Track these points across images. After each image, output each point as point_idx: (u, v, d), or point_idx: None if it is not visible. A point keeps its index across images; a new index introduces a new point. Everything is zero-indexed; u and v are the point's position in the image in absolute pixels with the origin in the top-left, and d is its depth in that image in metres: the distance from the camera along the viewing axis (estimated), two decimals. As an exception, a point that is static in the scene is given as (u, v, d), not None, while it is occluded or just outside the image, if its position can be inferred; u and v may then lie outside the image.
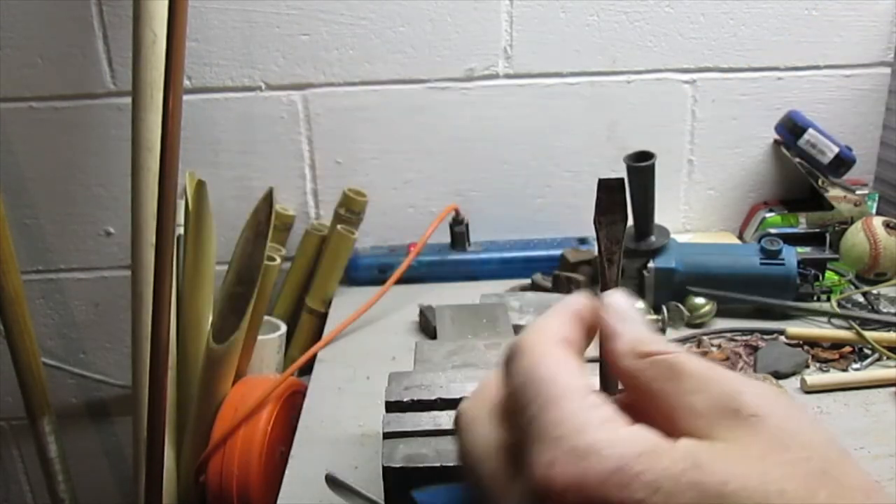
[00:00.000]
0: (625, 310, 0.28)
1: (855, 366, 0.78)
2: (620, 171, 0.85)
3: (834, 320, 0.87)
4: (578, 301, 0.29)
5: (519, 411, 0.26)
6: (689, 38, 1.03)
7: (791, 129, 1.02)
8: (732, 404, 0.23)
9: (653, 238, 0.91)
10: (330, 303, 1.01)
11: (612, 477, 0.22)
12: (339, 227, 1.01)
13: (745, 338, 0.84)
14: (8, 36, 1.00)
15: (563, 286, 0.95)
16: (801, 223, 1.04)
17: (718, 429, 0.23)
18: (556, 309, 0.29)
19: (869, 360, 0.79)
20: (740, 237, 1.10)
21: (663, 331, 0.87)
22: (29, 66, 1.01)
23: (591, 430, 0.23)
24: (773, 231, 1.03)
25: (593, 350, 0.29)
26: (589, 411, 0.24)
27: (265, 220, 0.88)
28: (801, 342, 0.82)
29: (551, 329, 0.28)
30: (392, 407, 0.49)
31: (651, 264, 0.89)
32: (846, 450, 0.23)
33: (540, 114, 1.06)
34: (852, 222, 1.01)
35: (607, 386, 0.29)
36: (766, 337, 0.84)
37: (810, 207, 1.05)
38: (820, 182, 1.03)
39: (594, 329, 0.29)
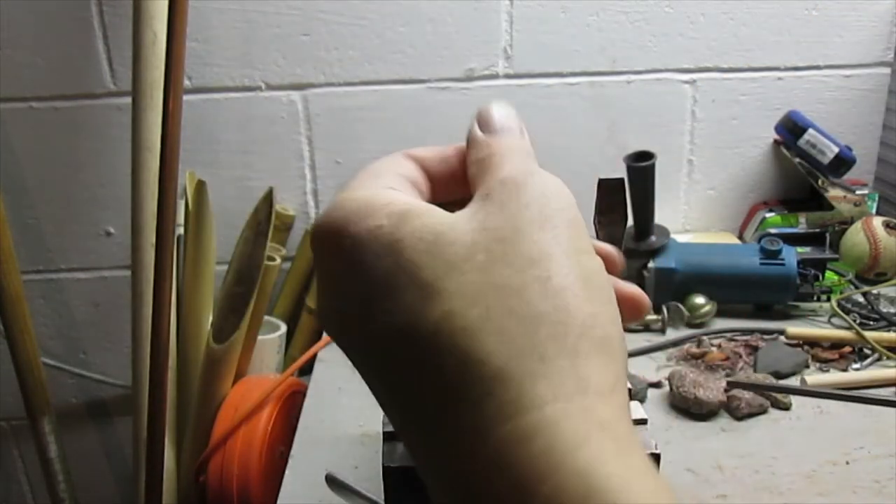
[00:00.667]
0: (489, 118, 0.30)
1: (855, 366, 0.78)
2: (620, 171, 0.85)
3: (834, 320, 0.87)
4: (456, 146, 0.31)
5: None
6: (689, 38, 1.03)
7: (791, 129, 1.02)
8: (486, 187, 0.26)
9: (653, 238, 0.91)
10: (330, 303, 1.01)
11: (338, 222, 0.25)
12: (339, 227, 1.01)
13: (745, 338, 0.84)
14: (8, 36, 1.00)
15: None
16: (801, 223, 1.04)
17: (465, 209, 0.25)
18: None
19: (869, 360, 0.79)
20: (740, 237, 1.10)
21: (663, 331, 0.87)
22: (29, 66, 1.01)
23: (353, 190, 0.26)
24: (773, 231, 1.03)
25: None
26: (367, 179, 0.27)
27: (265, 220, 0.88)
28: (801, 342, 0.82)
29: (421, 150, 0.31)
30: (392, 407, 0.49)
31: (651, 264, 0.89)
32: (560, 225, 0.24)
33: (540, 114, 1.06)
34: (852, 222, 1.01)
35: None
36: (766, 337, 0.84)
37: (810, 207, 1.05)
38: (820, 182, 1.03)
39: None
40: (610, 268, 0.27)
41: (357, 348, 0.25)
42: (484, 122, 0.29)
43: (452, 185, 0.31)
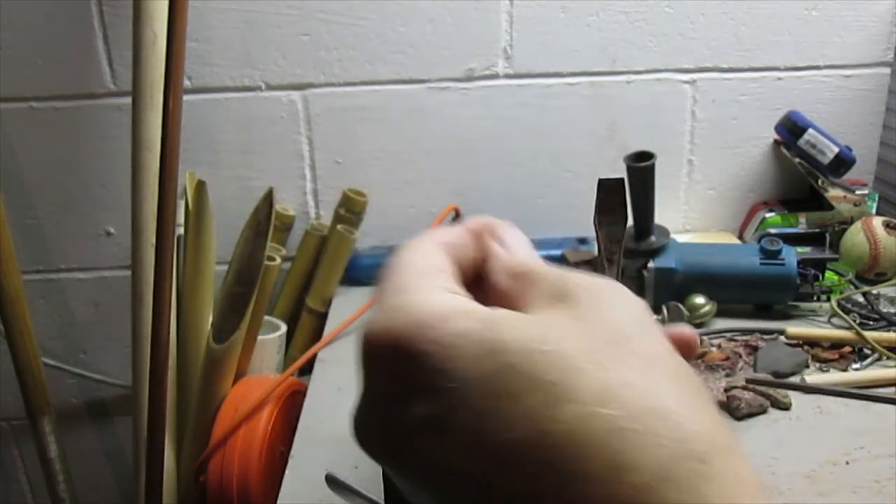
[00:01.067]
0: (505, 237, 0.29)
1: (855, 366, 0.78)
2: (620, 171, 0.85)
3: (834, 320, 0.87)
4: (477, 218, 0.31)
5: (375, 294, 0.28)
6: (689, 38, 1.03)
7: (791, 129, 1.02)
8: (558, 291, 0.25)
9: (653, 238, 0.91)
10: (330, 303, 1.01)
11: (409, 329, 0.23)
12: (339, 227, 1.01)
13: (745, 338, 0.84)
14: (8, 36, 1.00)
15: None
16: (801, 223, 1.04)
17: (542, 313, 0.24)
18: (454, 226, 0.31)
19: (869, 360, 0.79)
20: (740, 237, 1.10)
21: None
22: (29, 66, 1.01)
23: (409, 293, 0.24)
24: (773, 231, 1.03)
25: None
26: (419, 278, 0.25)
27: (265, 220, 0.88)
28: (801, 342, 0.82)
29: (431, 232, 0.29)
30: (392, 407, 0.49)
31: (651, 264, 0.89)
32: (655, 330, 0.24)
33: (540, 114, 1.06)
34: (852, 222, 1.01)
35: None
36: (766, 337, 0.84)
37: (810, 207, 1.05)
38: (820, 182, 1.03)
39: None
40: (687, 351, 0.27)
41: (456, 467, 0.22)
42: (500, 241, 0.29)
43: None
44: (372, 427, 0.24)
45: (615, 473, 0.20)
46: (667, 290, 0.89)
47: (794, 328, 0.83)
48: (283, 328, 1.00)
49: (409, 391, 0.23)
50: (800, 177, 1.06)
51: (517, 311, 0.26)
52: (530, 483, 0.21)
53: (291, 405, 0.84)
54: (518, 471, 0.21)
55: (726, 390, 0.71)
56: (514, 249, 0.29)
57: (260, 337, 0.93)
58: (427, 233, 0.29)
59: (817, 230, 1.03)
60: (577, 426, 0.20)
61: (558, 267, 0.28)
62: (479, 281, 0.30)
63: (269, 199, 0.88)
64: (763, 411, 0.71)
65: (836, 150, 1.00)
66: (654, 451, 0.20)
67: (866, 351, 0.80)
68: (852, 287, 0.91)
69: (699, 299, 0.88)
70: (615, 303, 0.24)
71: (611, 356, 0.22)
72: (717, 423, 0.22)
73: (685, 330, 0.29)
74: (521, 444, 0.21)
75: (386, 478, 0.44)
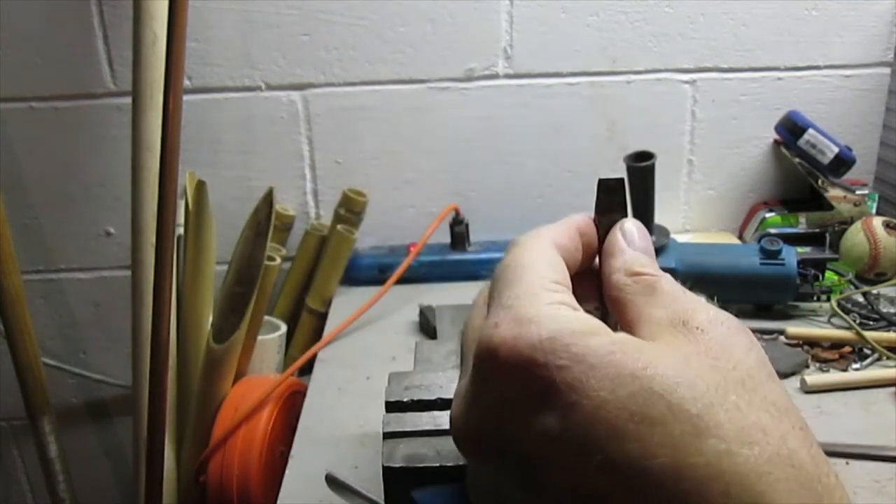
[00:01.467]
0: (634, 233, 0.30)
1: (855, 366, 0.78)
2: (620, 171, 0.85)
3: (834, 320, 0.87)
4: (581, 218, 0.32)
5: (490, 291, 0.28)
6: (689, 38, 1.03)
7: (791, 129, 1.02)
8: (683, 316, 0.25)
9: (653, 238, 0.91)
10: (330, 303, 1.01)
11: (542, 343, 0.23)
12: (339, 227, 1.01)
13: (745, 338, 0.84)
14: (8, 36, 1.00)
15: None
16: (801, 223, 1.04)
17: (664, 335, 0.25)
18: (562, 220, 0.31)
19: (869, 360, 0.79)
20: (740, 237, 1.10)
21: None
22: (29, 66, 1.01)
23: (539, 305, 0.25)
24: (773, 231, 1.03)
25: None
26: (544, 291, 0.26)
27: (265, 220, 0.88)
28: (801, 342, 0.82)
29: (547, 231, 0.30)
30: (392, 407, 0.49)
31: (651, 264, 0.89)
32: (775, 377, 0.25)
33: (540, 114, 1.06)
34: (852, 222, 1.01)
35: (605, 311, 0.31)
36: (766, 337, 0.84)
37: (810, 207, 1.05)
38: (820, 182, 1.03)
39: (593, 246, 0.31)
40: None
41: (572, 480, 0.22)
42: (630, 237, 0.30)
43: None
44: (484, 429, 0.25)
45: None
46: (667, 290, 0.89)
47: (794, 328, 0.83)
48: (283, 328, 1.00)
49: (541, 401, 0.23)
50: (800, 177, 1.06)
51: (627, 319, 0.27)
52: None
53: (291, 405, 0.84)
54: (653, 497, 0.21)
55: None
56: (637, 244, 0.30)
57: (260, 337, 0.93)
58: (542, 231, 0.30)
59: (817, 230, 1.03)
60: (719, 462, 0.21)
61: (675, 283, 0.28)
62: (579, 276, 0.30)
63: (269, 199, 0.88)
64: (763, 411, 0.70)
65: (836, 150, 1.00)
66: (790, 497, 0.20)
67: (866, 351, 0.80)
68: (852, 287, 0.91)
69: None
70: (741, 343, 0.25)
71: (746, 400, 0.22)
72: (837, 477, 0.22)
73: None
74: (661, 471, 0.21)
75: (386, 477, 0.44)
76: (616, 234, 0.30)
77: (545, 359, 0.23)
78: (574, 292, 0.28)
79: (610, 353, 0.23)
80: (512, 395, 0.24)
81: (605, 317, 0.30)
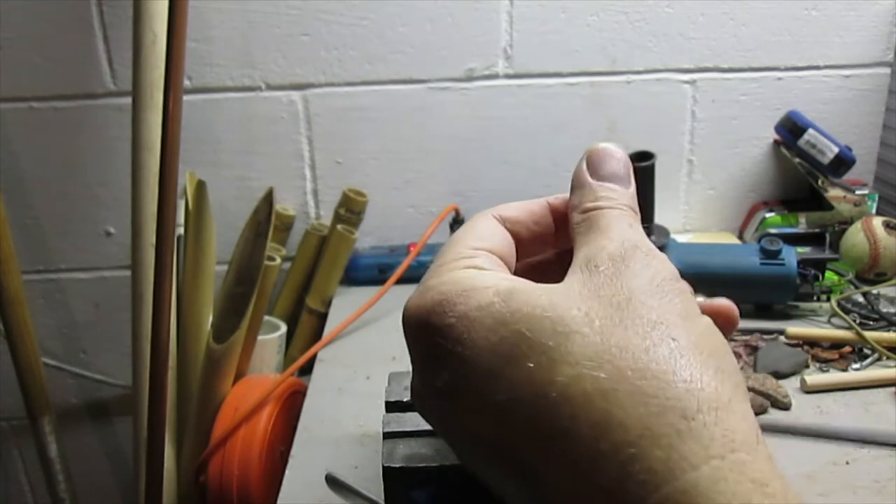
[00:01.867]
0: (599, 158, 0.29)
1: (855, 366, 0.78)
2: (620, 171, 0.85)
3: (834, 320, 0.87)
4: (558, 196, 0.32)
5: None
6: (689, 38, 1.03)
7: (791, 129, 1.02)
8: (595, 257, 0.25)
9: (653, 238, 0.91)
10: (330, 303, 1.01)
11: (435, 307, 0.25)
12: (339, 227, 1.01)
13: (745, 338, 0.84)
14: (8, 36, 1.00)
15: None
16: (801, 223, 1.04)
17: (570, 277, 0.25)
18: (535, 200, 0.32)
19: (869, 360, 0.79)
20: (740, 237, 1.10)
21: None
22: (29, 66, 1.01)
23: (442, 272, 0.26)
24: (773, 231, 1.03)
25: None
26: (456, 259, 0.27)
27: (265, 220, 0.88)
28: (801, 342, 0.82)
29: (495, 207, 0.31)
30: (392, 407, 0.49)
31: (651, 264, 0.89)
32: (670, 293, 0.24)
33: (540, 114, 1.06)
34: (852, 222, 1.01)
35: None
36: (766, 337, 0.84)
37: (810, 207, 1.05)
38: (820, 182, 1.03)
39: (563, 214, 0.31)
40: (725, 323, 0.27)
41: (469, 427, 0.24)
42: (594, 166, 0.29)
43: (538, 245, 0.31)
44: (414, 391, 0.27)
45: (598, 431, 0.21)
46: (667, 290, 0.89)
47: (794, 328, 0.83)
48: (283, 328, 1.00)
49: (436, 360, 0.25)
50: (800, 177, 1.06)
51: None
52: (529, 440, 0.22)
53: (291, 405, 0.84)
54: (518, 429, 0.22)
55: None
56: (604, 170, 0.29)
57: (260, 337, 0.93)
58: (491, 208, 0.31)
59: (817, 230, 1.03)
60: (568, 387, 0.21)
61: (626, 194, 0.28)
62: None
63: (269, 199, 0.88)
64: (763, 411, 0.71)
65: (836, 150, 1.00)
66: (636, 409, 0.21)
67: (866, 351, 0.80)
68: (852, 287, 0.91)
69: (699, 299, 0.87)
70: (636, 269, 0.25)
71: (613, 320, 0.23)
72: (718, 381, 0.22)
73: (722, 302, 0.29)
74: (521, 403, 0.22)
75: (386, 477, 0.44)
76: (580, 165, 0.30)
77: (437, 321, 0.25)
78: (558, 264, 0.29)
79: (489, 304, 0.24)
80: (419, 358, 0.26)
81: None
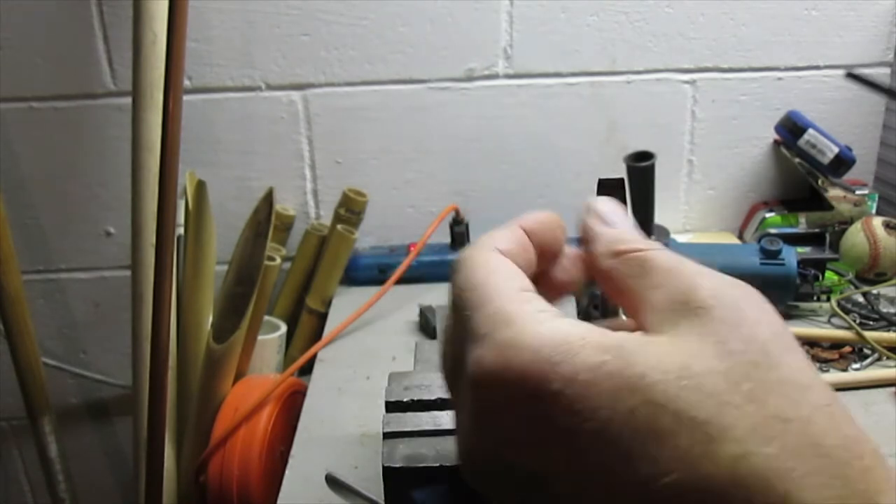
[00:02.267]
0: (606, 212, 0.28)
1: (855, 366, 0.78)
2: (620, 171, 0.85)
3: (834, 320, 0.87)
4: (532, 215, 0.29)
5: (456, 320, 0.26)
6: (689, 38, 1.03)
7: (791, 129, 1.02)
8: (683, 297, 0.23)
9: (653, 238, 0.91)
10: (330, 303, 1.01)
11: (530, 367, 0.21)
12: (339, 227, 1.01)
13: (745, 338, 0.84)
14: (8, 36, 1.00)
15: (563, 286, 0.95)
16: (801, 223, 1.04)
17: (665, 323, 0.23)
18: (506, 224, 0.29)
19: (869, 360, 0.79)
20: (740, 237, 1.10)
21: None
22: (29, 66, 1.01)
23: (516, 324, 0.23)
24: (773, 231, 1.03)
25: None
26: (518, 306, 0.24)
27: (265, 220, 0.88)
28: (801, 342, 0.81)
29: (488, 239, 0.28)
30: (392, 407, 0.49)
31: (651, 264, 0.89)
32: (794, 345, 0.23)
33: (540, 114, 1.06)
34: (852, 222, 1.01)
35: (606, 311, 0.29)
36: (766, 337, 0.84)
37: (810, 207, 1.05)
38: (820, 182, 1.03)
39: (547, 241, 0.29)
40: None
41: None
42: (604, 217, 0.28)
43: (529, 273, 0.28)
44: (489, 466, 0.23)
45: None
46: (667, 290, 0.89)
47: (794, 328, 0.83)
48: (283, 328, 1.00)
49: (541, 433, 0.21)
50: (800, 177, 1.06)
51: (630, 308, 0.24)
52: None
53: (291, 405, 0.84)
54: None
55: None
56: (617, 223, 0.27)
57: (260, 337, 0.93)
58: (482, 241, 0.28)
59: (817, 230, 1.03)
60: (736, 468, 0.19)
61: (669, 251, 0.25)
62: (541, 278, 0.28)
63: (269, 199, 0.88)
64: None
65: (836, 150, 1.00)
66: (820, 492, 0.19)
67: (866, 351, 0.80)
68: (852, 287, 0.91)
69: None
70: (753, 315, 0.22)
71: (762, 386, 0.20)
72: (874, 454, 0.20)
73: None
74: (679, 486, 0.19)
75: (386, 477, 0.44)
76: (590, 220, 0.28)
77: (539, 385, 0.21)
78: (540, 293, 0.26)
79: (602, 365, 0.21)
80: (509, 429, 0.22)
81: (605, 312, 0.30)
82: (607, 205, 0.28)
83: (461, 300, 0.25)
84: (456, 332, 0.26)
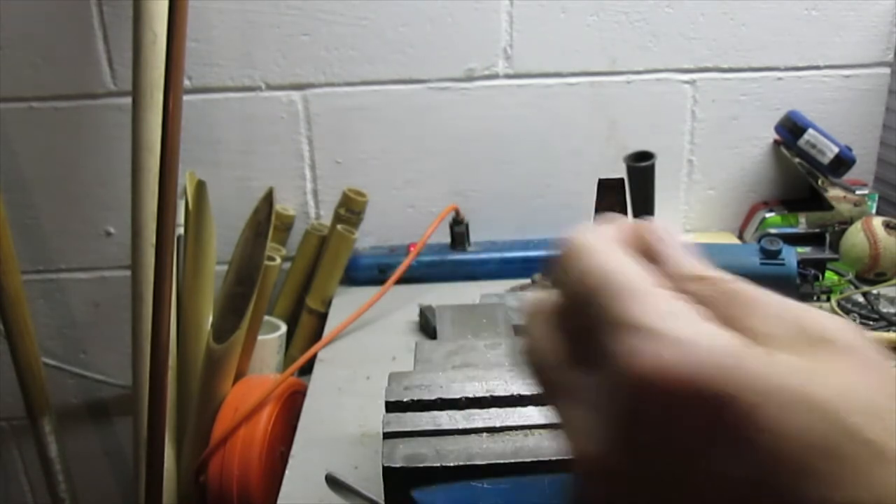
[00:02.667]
0: (666, 236, 0.27)
1: (855, 366, 0.78)
2: (620, 171, 0.85)
3: (834, 320, 0.87)
4: (622, 219, 0.28)
5: (581, 306, 0.24)
6: (689, 38, 1.03)
7: (791, 129, 1.02)
8: (806, 327, 0.22)
9: (653, 238, 0.91)
10: (330, 303, 1.01)
11: (715, 370, 0.20)
12: (339, 227, 1.01)
13: (745, 338, 0.84)
14: (8, 36, 1.00)
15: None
16: (801, 223, 1.04)
17: (799, 350, 0.22)
18: (603, 222, 0.27)
19: (869, 360, 0.79)
20: (740, 237, 1.10)
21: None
22: (29, 66, 1.01)
23: (679, 319, 0.21)
24: (773, 231, 1.03)
25: None
26: (669, 300, 0.22)
27: (265, 220, 0.88)
28: (801, 342, 0.82)
29: (608, 232, 0.26)
30: (392, 407, 0.49)
31: (651, 264, 0.89)
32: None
33: (540, 114, 1.06)
34: (852, 222, 1.01)
35: None
36: (766, 337, 0.84)
37: (810, 207, 1.05)
38: (820, 182, 1.03)
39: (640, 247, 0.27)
40: None
41: None
42: (665, 240, 0.27)
43: None
44: (622, 466, 0.22)
45: None
46: (667, 290, 0.89)
47: (794, 328, 0.83)
48: (283, 328, 1.00)
49: (709, 438, 0.20)
50: (800, 177, 1.06)
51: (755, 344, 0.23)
52: None
53: (291, 405, 0.84)
54: None
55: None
56: (677, 247, 0.26)
57: (260, 337, 0.93)
58: (601, 234, 0.26)
59: (817, 230, 1.03)
60: None
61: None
62: None
63: (269, 199, 0.88)
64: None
65: (836, 150, 1.00)
66: None
67: (866, 351, 0.80)
68: (852, 287, 0.91)
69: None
70: (869, 342, 0.22)
71: None
72: None
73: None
74: None
75: (386, 477, 0.44)
76: (656, 236, 0.26)
77: (721, 389, 0.20)
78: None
79: (777, 377, 0.20)
80: (667, 430, 0.21)
81: None
82: (664, 228, 0.27)
83: (586, 287, 0.24)
84: (576, 321, 0.24)
